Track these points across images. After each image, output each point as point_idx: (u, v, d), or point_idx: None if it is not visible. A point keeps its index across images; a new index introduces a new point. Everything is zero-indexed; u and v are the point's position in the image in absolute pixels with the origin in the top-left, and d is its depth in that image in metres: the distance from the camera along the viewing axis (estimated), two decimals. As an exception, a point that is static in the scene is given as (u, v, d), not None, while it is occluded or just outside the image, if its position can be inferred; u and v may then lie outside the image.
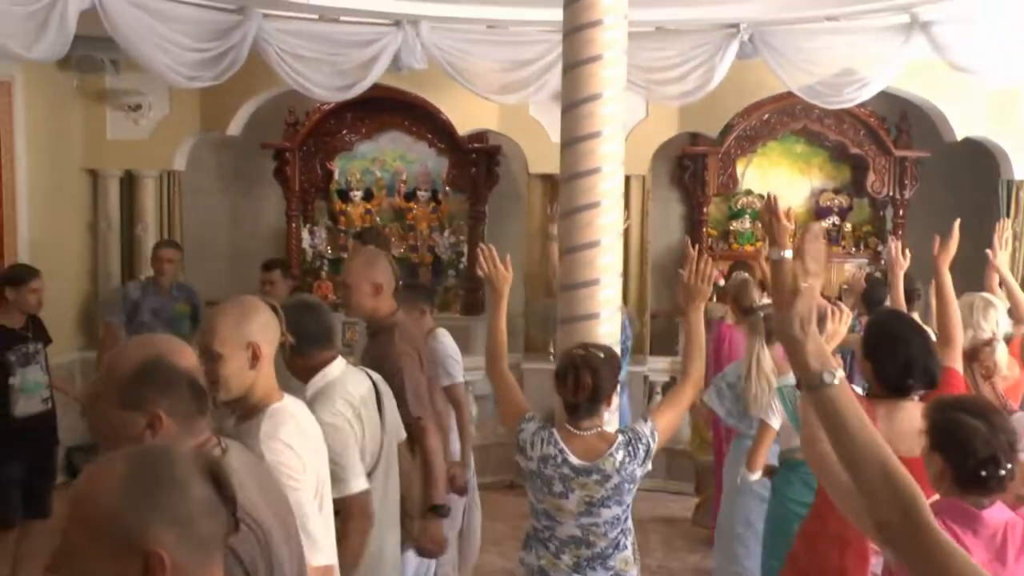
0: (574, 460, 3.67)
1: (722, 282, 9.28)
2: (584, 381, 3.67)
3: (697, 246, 4.39)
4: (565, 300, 4.82)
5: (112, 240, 9.41)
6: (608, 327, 4.77)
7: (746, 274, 7.45)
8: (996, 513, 2.81)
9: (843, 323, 3.55)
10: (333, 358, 3.75)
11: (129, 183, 9.53)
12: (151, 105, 9.30)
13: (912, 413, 3.50)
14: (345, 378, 3.71)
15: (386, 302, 4.51)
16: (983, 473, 2.78)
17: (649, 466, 3.79)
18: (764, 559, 5.01)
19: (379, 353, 4.38)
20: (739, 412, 5.56)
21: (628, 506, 3.76)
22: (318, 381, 3.66)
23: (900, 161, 9.82)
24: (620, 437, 3.75)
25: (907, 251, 5.93)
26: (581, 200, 4.73)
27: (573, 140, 4.74)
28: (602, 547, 3.72)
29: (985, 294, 5.51)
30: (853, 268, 10.14)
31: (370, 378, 3.89)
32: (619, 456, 3.69)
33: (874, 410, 3.58)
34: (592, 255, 4.74)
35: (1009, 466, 2.79)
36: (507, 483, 8.80)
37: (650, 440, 3.77)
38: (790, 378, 5.11)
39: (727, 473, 5.75)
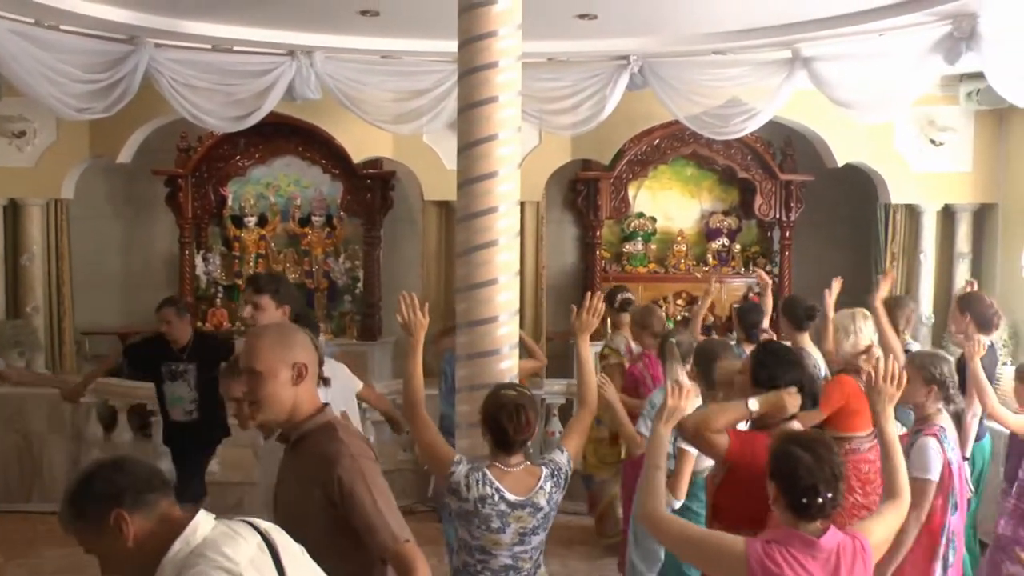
0: (510, 496, 3.80)
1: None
2: (529, 419, 3.82)
3: (591, 294, 4.48)
4: (465, 336, 4.90)
5: (-5, 270, 9.16)
6: (508, 363, 4.87)
7: (652, 305, 7.56)
8: (829, 538, 3.13)
9: (686, 398, 3.67)
10: (188, 517, 2.57)
11: (13, 212, 9.29)
12: (36, 132, 9.11)
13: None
14: (218, 538, 2.52)
15: (310, 392, 3.27)
16: (804, 500, 3.11)
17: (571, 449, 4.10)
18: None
19: (312, 470, 3.15)
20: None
21: (546, 533, 3.95)
22: (177, 552, 2.50)
23: (786, 185, 10.13)
24: (544, 470, 3.90)
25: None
26: (478, 239, 4.83)
27: (470, 180, 4.83)
28: (528, 569, 3.91)
29: (863, 309, 5.82)
30: (743, 287, 10.44)
31: (257, 530, 2.61)
32: (548, 487, 3.86)
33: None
34: (490, 292, 4.84)
35: (830, 495, 3.11)
36: (407, 509, 8.80)
37: (567, 468, 3.99)
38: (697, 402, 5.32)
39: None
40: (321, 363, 3.28)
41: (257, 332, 3.31)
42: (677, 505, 4.97)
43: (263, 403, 3.17)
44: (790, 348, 4.72)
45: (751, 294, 10.26)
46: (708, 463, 4.61)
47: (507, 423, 3.83)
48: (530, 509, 3.82)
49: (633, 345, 7.33)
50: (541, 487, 3.86)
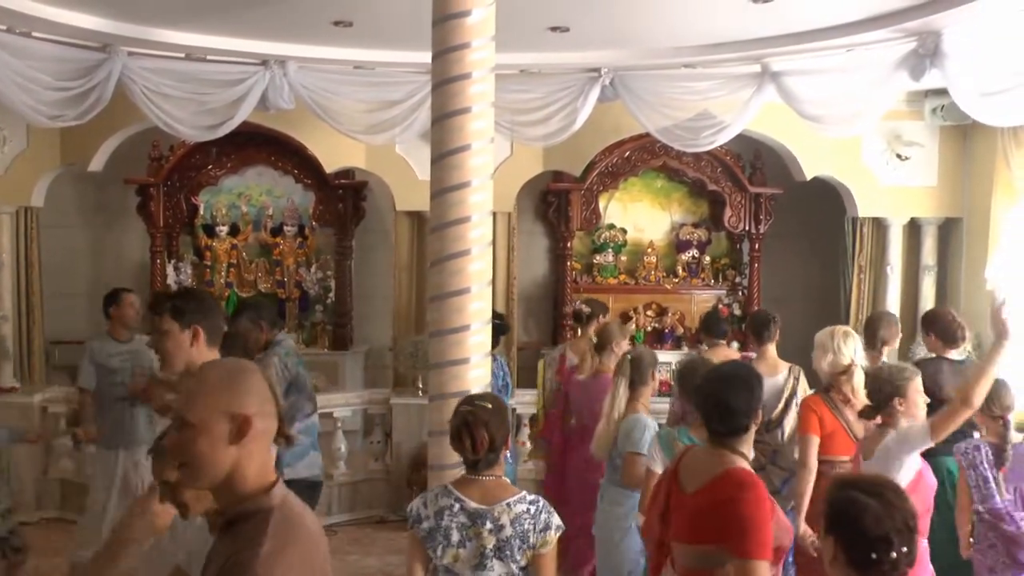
0: (471, 505, 3.69)
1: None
2: (480, 437, 3.69)
3: None
4: (436, 345, 4.95)
5: (-36, 279, 9.09)
6: (478, 371, 4.91)
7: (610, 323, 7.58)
8: None
9: None
10: None
11: (-16, 219, 9.24)
12: (6, 139, 9.05)
13: (702, 450, 3.66)
14: None
15: (257, 458, 2.40)
16: (873, 555, 2.59)
17: (543, 551, 3.70)
18: None
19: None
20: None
21: (521, 570, 3.70)
22: None
23: (755, 197, 10.25)
24: (527, 497, 3.75)
25: None
26: (451, 248, 4.88)
27: (443, 190, 4.88)
28: None
29: (845, 326, 5.80)
30: (712, 299, 10.54)
31: None
32: (517, 509, 3.68)
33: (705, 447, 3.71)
34: (462, 301, 4.89)
35: (905, 549, 2.61)
36: (377, 518, 8.82)
37: (545, 533, 3.71)
38: (658, 421, 5.35)
39: (600, 530, 5.75)
40: (283, 419, 2.45)
41: (199, 371, 2.47)
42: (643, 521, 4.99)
43: (191, 466, 2.35)
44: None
45: (720, 306, 10.36)
46: None
47: (458, 443, 3.78)
48: (491, 526, 3.66)
49: (570, 356, 7.43)
50: (510, 504, 3.70)
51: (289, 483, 4.83)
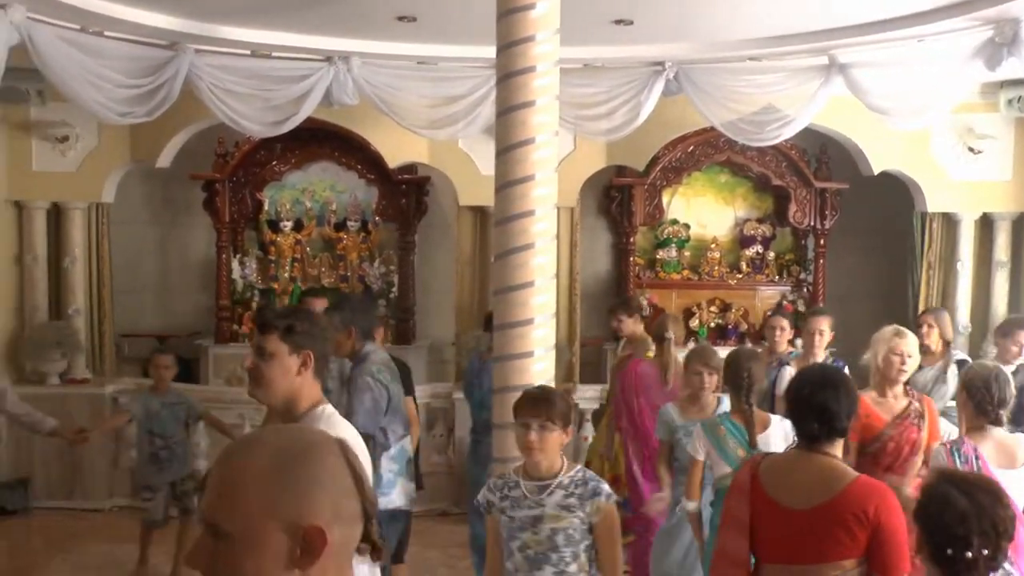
0: (528, 484, 3.81)
1: (647, 311, 9.50)
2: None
3: None
4: (499, 339, 4.95)
5: (39, 273, 9.26)
6: (542, 365, 4.91)
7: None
8: None
9: None
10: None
11: (56, 215, 9.42)
12: (79, 137, 9.22)
13: (808, 463, 3.39)
14: None
15: None
16: (949, 551, 2.61)
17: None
18: None
19: None
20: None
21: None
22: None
23: (820, 192, 10.10)
24: (578, 474, 3.81)
25: None
26: (515, 242, 4.87)
27: (507, 183, 4.88)
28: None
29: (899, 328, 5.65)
30: (776, 295, 10.42)
31: None
32: (568, 480, 3.77)
33: (784, 455, 3.64)
34: (526, 295, 4.88)
35: (985, 552, 2.59)
36: (440, 511, 8.85)
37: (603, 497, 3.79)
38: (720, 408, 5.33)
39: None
40: (372, 517, 1.70)
41: (238, 449, 1.68)
42: (691, 507, 5.01)
43: None
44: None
45: (784, 302, 10.25)
46: (728, 470, 4.65)
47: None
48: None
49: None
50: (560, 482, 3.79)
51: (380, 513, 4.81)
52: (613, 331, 7.66)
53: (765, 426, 4.89)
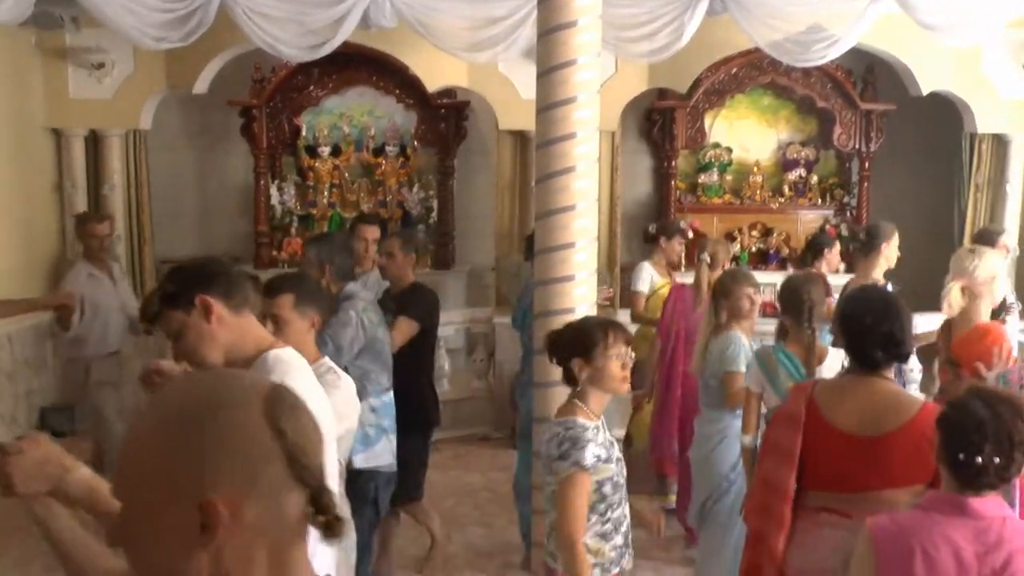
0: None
1: (690, 234, 9.40)
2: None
3: None
4: (541, 263, 4.90)
5: (78, 200, 9.30)
6: (583, 289, 4.86)
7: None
8: (989, 504, 2.66)
9: None
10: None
11: (94, 142, 9.43)
12: (115, 63, 9.18)
13: (871, 389, 3.36)
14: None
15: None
16: (961, 456, 2.64)
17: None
18: None
19: None
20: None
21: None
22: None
23: (866, 114, 9.90)
24: (567, 420, 3.62)
25: None
26: (557, 165, 4.81)
27: (548, 106, 4.80)
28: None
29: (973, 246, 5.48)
30: (819, 219, 10.28)
31: None
32: (553, 429, 3.61)
33: (836, 380, 3.58)
34: (567, 219, 4.83)
35: (996, 460, 2.62)
36: (480, 436, 8.91)
37: (561, 462, 3.53)
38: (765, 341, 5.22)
39: (694, 454, 5.64)
40: (320, 488, 1.40)
41: (138, 416, 1.44)
42: (746, 441, 4.88)
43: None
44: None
45: (827, 226, 10.11)
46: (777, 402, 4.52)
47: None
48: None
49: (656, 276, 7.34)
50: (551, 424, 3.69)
51: (359, 473, 4.64)
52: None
53: (822, 358, 4.74)
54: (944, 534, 2.61)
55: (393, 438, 5.00)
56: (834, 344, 3.70)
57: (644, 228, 9.98)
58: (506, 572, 6.25)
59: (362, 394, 4.54)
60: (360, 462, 4.69)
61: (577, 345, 3.53)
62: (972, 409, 2.66)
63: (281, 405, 1.38)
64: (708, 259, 6.61)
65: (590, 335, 3.51)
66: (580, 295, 4.81)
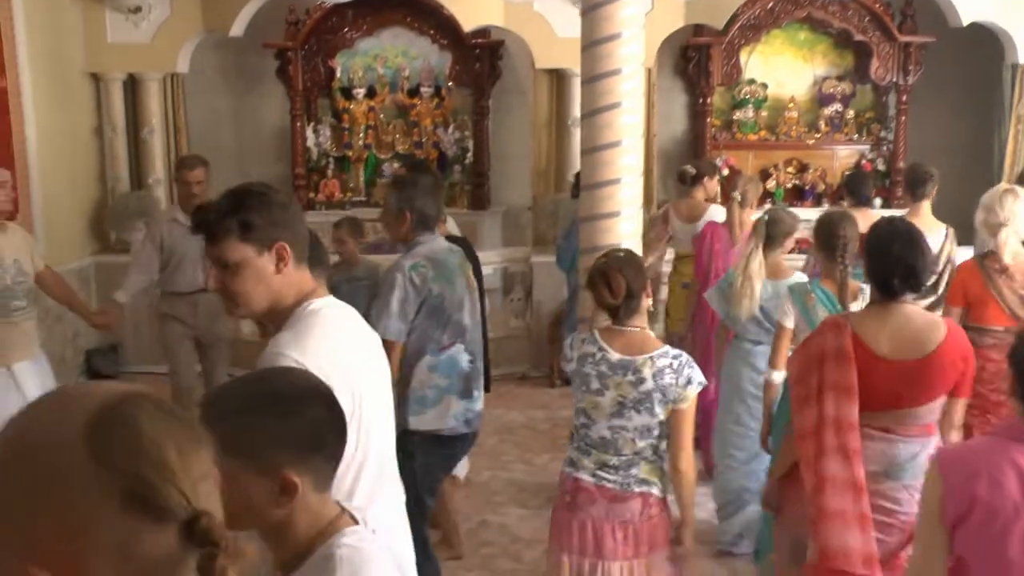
0: (613, 356, 3.74)
1: (726, 171, 9.39)
2: (616, 282, 3.74)
3: None
4: (587, 199, 4.94)
5: (119, 144, 9.40)
6: (629, 225, 4.91)
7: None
8: None
9: None
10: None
11: (132, 86, 9.49)
12: (151, 7, 9.23)
13: (904, 315, 3.59)
14: None
15: None
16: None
17: (682, 406, 3.73)
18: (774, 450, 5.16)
19: None
20: (730, 314, 5.59)
21: (659, 423, 3.74)
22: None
23: (904, 47, 9.80)
24: (670, 351, 3.77)
25: None
26: (602, 101, 4.83)
27: (593, 42, 4.81)
28: (626, 454, 3.78)
29: (1009, 184, 5.53)
30: (855, 155, 10.23)
31: None
32: (659, 363, 3.71)
33: (866, 311, 3.72)
34: (613, 155, 4.86)
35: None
36: (520, 375, 9.01)
37: (687, 388, 3.72)
38: (797, 277, 5.26)
39: (724, 375, 5.79)
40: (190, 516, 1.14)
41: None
42: (776, 377, 4.94)
43: None
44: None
45: (863, 161, 10.06)
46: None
47: (596, 292, 3.84)
48: (631, 377, 3.70)
49: (673, 219, 7.36)
50: (651, 358, 3.72)
51: (413, 434, 4.61)
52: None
53: (856, 295, 4.79)
54: (1010, 458, 2.65)
55: (455, 399, 4.65)
56: (867, 280, 3.79)
57: (679, 165, 9.99)
58: (550, 507, 6.36)
59: (421, 354, 4.54)
60: (413, 424, 4.56)
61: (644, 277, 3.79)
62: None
63: (109, 430, 1.10)
64: (739, 198, 6.66)
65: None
66: (625, 231, 4.86)
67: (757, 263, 5.23)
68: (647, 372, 3.70)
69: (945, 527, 2.66)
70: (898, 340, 3.53)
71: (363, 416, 2.62)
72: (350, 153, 10.44)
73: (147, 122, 9.46)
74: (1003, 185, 5.45)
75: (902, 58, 9.86)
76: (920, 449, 3.62)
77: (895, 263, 3.56)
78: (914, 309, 3.65)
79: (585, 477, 3.82)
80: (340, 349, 2.64)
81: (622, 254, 3.94)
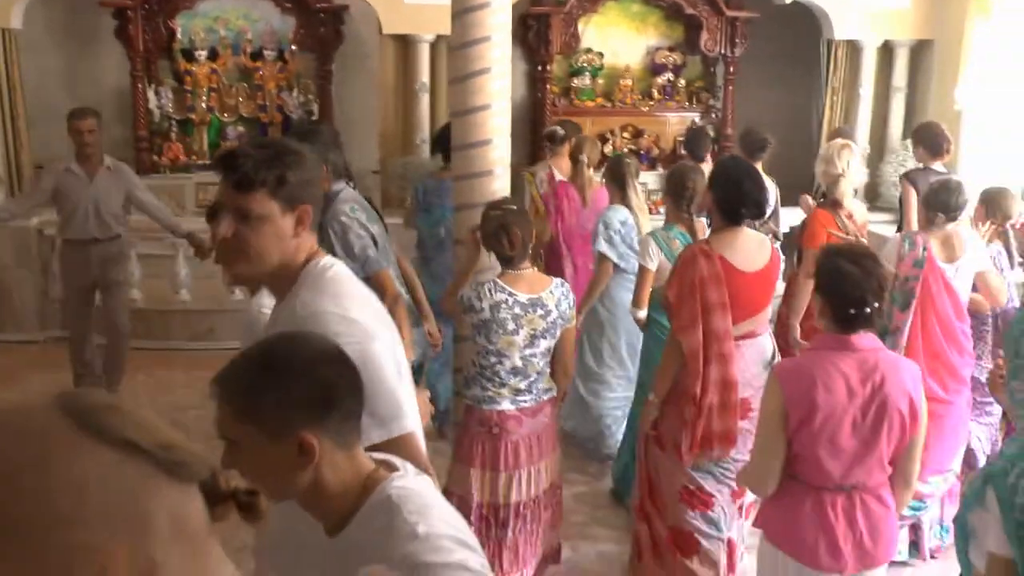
0: (522, 298, 4.21)
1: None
2: (514, 236, 4.19)
3: None
4: (460, 159, 5.18)
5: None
6: (500, 183, 5.18)
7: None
8: (865, 339, 3.30)
9: None
10: None
11: (-36, 42, 9.17)
12: (-18, -40, 8.92)
13: (747, 236, 4.29)
14: None
15: None
16: (852, 311, 3.26)
17: (570, 324, 4.45)
18: (637, 386, 5.63)
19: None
20: (629, 255, 6.05)
21: (554, 342, 4.34)
22: None
23: (732, 21, 10.39)
24: (556, 281, 4.38)
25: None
26: (472, 67, 5.06)
27: (464, 10, 5.04)
28: (533, 376, 4.32)
29: (845, 140, 6.14)
30: (685, 122, 10.79)
31: None
32: (557, 294, 4.29)
33: (719, 236, 4.28)
34: (484, 117, 5.11)
35: (876, 304, 3.27)
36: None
37: (572, 308, 4.44)
38: (657, 222, 5.75)
39: (605, 306, 6.39)
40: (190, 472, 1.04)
41: None
42: (641, 315, 5.46)
43: None
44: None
45: (706, 125, 10.63)
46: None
47: (496, 242, 4.26)
48: (541, 311, 4.22)
49: (556, 173, 7.72)
50: (551, 290, 4.28)
51: None
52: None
53: (702, 232, 5.29)
54: (836, 366, 3.26)
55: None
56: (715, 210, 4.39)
57: (522, 131, 10.31)
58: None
59: None
60: None
61: None
62: (845, 270, 3.27)
63: (89, 410, 0.96)
64: (585, 160, 7.13)
65: None
66: (498, 188, 5.12)
67: (642, 198, 6.20)
68: (551, 304, 4.25)
69: (784, 431, 3.27)
70: (745, 254, 4.21)
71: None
72: (193, 116, 10.35)
73: (-21, 80, 9.15)
74: (839, 141, 6.02)
75: (730, 31, 10.45)
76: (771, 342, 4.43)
77: (744, 196, 4.19)
78: (749, 230, 4.33)
79: (507, 406, 4.29)
80: (374, 306, 2.60)
81: (514, 207, 4.38)
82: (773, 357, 4.33)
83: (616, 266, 6.11)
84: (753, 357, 4.27)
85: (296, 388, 1.88)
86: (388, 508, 1.89)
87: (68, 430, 0.93)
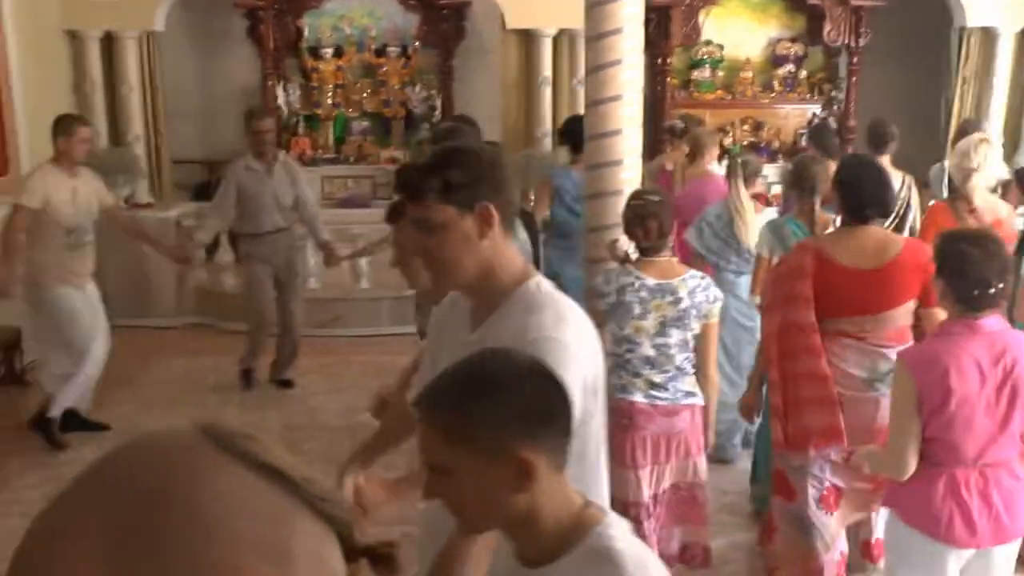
0: (650, 282, 4.17)
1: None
2: (651, 226, 4.19)
3: None
4: (592, 148, 5.28)
5: (97, 101, 9.48)
6: (630, 173, 5.27)
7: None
8: (993, 321, 3.28)
9: None
10: None
11: (109, 44, 9.57)
12: (125, -35, 9.30)
13: (868, 234, 4.09)
14: None
15: None
16: (976, 292, 3.24)
17: (712, 320, 4.27)
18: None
19: None
20: (719, 249, 6.05)
21: (694, 337, 4.24)
22: None
23: (855, 10, 10.25)
24: (696, 273, 4.29)
25: None
26: (605, 58, 5.16)
27: (597, 3, 5.13)
28: (670, 370, 4.24)
29: (984, 134, 6.01)
30: (807, 113, 10.69)
31: None
32: (691, 283, 4.20)
33: (835, 232, 4.26)
34: (615, 108, 5.19)
35: (1001, 285, 3.26)
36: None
37: (714, 304, 4.25)
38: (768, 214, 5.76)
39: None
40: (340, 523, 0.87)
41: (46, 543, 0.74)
42: (759, 300, 5.45)
43: None
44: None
45: (816, 119, 10.52)
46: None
47: (632, 232, 4.30)
48: (670, 298, 4.16)
49: (667, 165, 7.74)
50: (684, 280, 4.20)
51: None
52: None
53: (827, 226, 5.26)
54: (966, 350, 3.25)
55: None
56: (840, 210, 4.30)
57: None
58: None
59: None
60: None
61: None
62: (969, 253, 3.25)
63: (231, 435, 0.90)
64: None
65: None
66: (626, 178, 5.21)
67: (746, 196, 5.85)
68: (683, 292, 4.18)
69: (919, 416, 3.27)
70: (857, 251, 4.03)
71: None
72: (319, 112, 10.67)
73: (125, 79, 9.54)
74: (978, 135, 5.90)
75: (853, 21, 10.31)
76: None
77: (869, 196, 4.07)
78: (876, 228, 4.13)
79: (639, 398, 4.24)
80: (592, 335, 2.43)
81: (655, 197, 4.37)
82: (883, 379, 4.01)
83: (702, 257, 6.11)
84: (857, 361, 4.07)
85: (513, 402, 1.75)
86: (608, 560, 1.76)
87: (214, 450, 0.88)
